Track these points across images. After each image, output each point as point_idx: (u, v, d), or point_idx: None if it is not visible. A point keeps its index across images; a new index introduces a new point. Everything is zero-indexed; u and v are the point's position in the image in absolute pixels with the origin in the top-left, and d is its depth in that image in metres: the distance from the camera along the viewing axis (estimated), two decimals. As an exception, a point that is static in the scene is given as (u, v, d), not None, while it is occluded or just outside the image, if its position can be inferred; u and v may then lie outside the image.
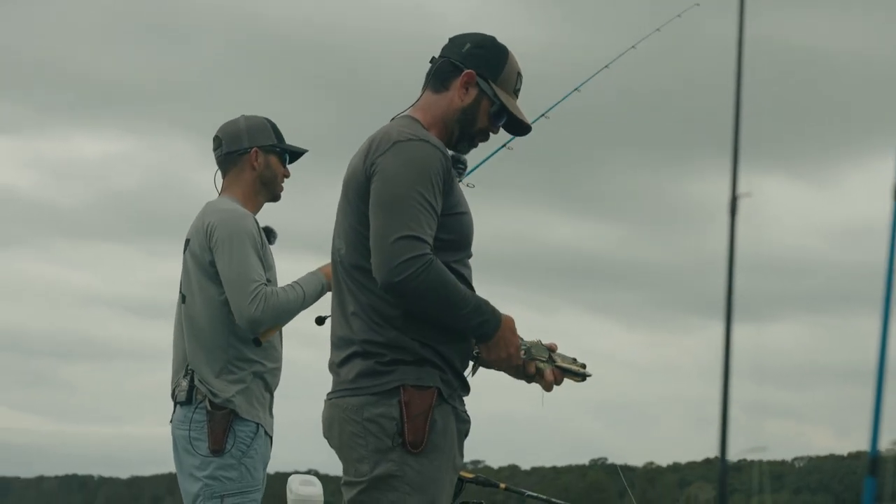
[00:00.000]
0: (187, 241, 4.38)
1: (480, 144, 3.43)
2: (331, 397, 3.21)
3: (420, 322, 3.12)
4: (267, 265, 4.32)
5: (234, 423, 4.21)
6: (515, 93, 3.39)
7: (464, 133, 3.33)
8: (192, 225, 4.40)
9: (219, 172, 4.53)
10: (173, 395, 4.35)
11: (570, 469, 71.43)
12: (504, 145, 4.38)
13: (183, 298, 4.35)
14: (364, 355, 3.13)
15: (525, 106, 3.42)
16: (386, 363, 3.10)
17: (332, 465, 3.25)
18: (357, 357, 3.14)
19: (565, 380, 3.30)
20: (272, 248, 4.45)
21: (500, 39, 3.41)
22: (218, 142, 4.51)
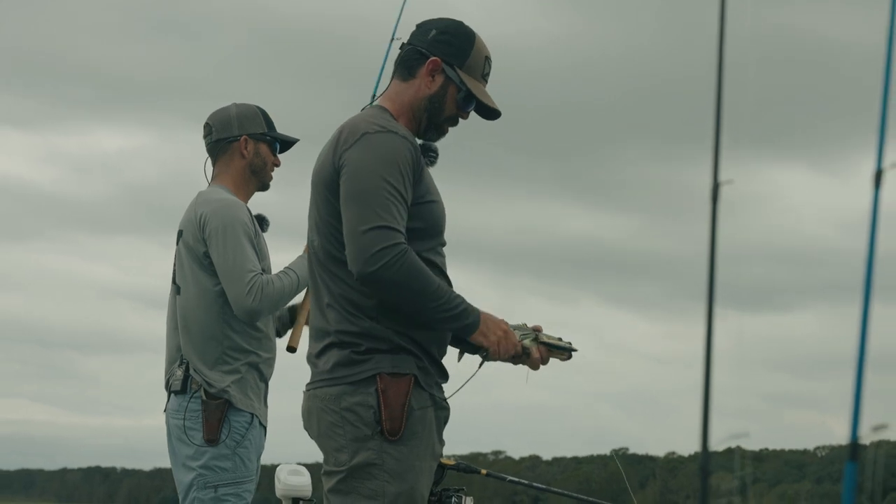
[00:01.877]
0: (180, 232, 4.36)
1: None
2: (309, 388, 3.22)
3: (395, 311, 3.11)
4: (261, 254, 4.31)
5: (229, 413, 4.20)
6: (484, 77, 3.35)
7: (431, 121, 3.30)
8: (184, 215, 4.38)
9: (209, 161, 4.51)
10: (167, 385, 4.35)
11: (591, 459, 71.47)
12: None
13: (177, 290, 4.34)
14: (340, 345, 3.13)
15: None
16: (362, 352, 3.11)
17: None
18: (333, 347, 3.15)
19: (552, 359, 3.32)
20: (265, 235, 4.44)
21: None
22: (208, 129, 4.49)
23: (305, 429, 3.25)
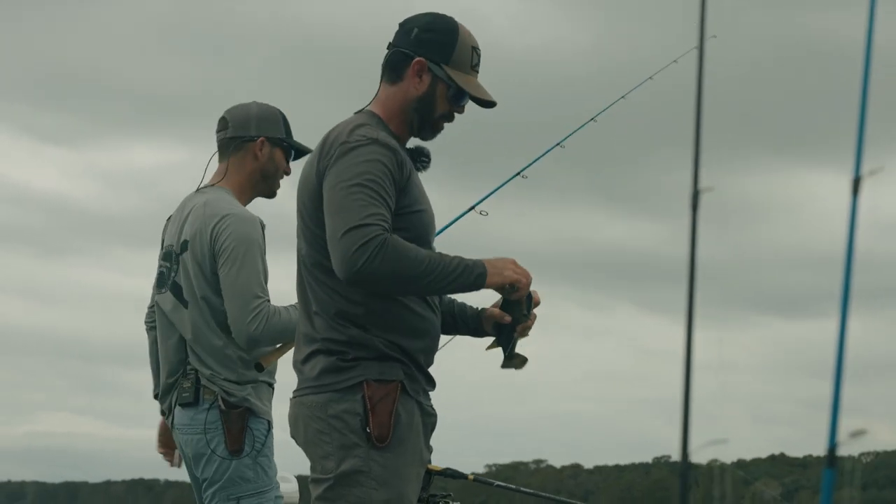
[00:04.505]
0: (185, 243, 4.13)
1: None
2: (295, 395, 3.22)
3: (382, 320, 3.12)
4: (265, 274, 4.10)
5: (250, 421, 4.04)
6: (474, 68, 3.30)
7: (424, 121, 3.27)
8: (189, 222, 4.15)
9: (215, 156, 4.31)
10: (166, 397, 4.19)
11: (633, 467, 71.06)
12: (518, 174, 4.44)
13: (185, 304, 4.11)
14: (327, 353, 3.13)
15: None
16: (349, 360, 3.11)
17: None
18: (320, 354, 3.15)
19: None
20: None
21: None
22: (224, 123, 4.27)
23: (292, 436, 3.25)
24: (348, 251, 2.98)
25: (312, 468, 3.17)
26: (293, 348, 3.32)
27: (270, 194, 4.33)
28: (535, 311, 3.31)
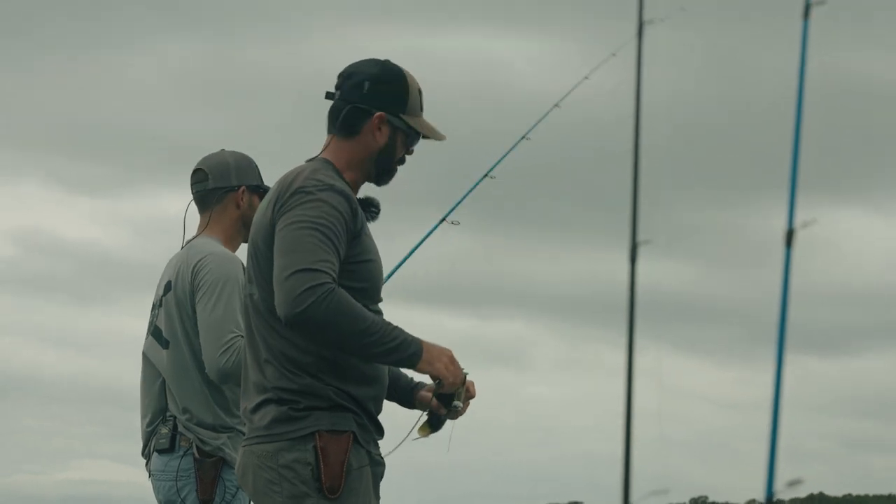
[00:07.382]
0: (168, 284, 4.19)
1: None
2: (245, 444, 3.22)
3: (334, 368, 3.13)
4: None
5: (223, 471, 4.07)
6: (422, 109, 3.36)
7: (382, 169, 3.32)
8: (173, 265, 4.24)
9: (191, 206, 4.37)
10: (149, 445, 4.18)
11: (671, 508, 70.15)
12: (523, 136, 4.48)
13: (165, 344, 4.17)
14: (278, 402, 3.13)
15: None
16: (300, 409, 3.11)
17: None
18: (271, 403, 3.14)
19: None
20: None
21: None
22: (202, 175, 4.31)
23: (241, 486, 3.27)
24: (294, 291, 2.99)
25: None
26: (241, 396, 3.30)
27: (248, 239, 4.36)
28: (472, 401, 3.33)
